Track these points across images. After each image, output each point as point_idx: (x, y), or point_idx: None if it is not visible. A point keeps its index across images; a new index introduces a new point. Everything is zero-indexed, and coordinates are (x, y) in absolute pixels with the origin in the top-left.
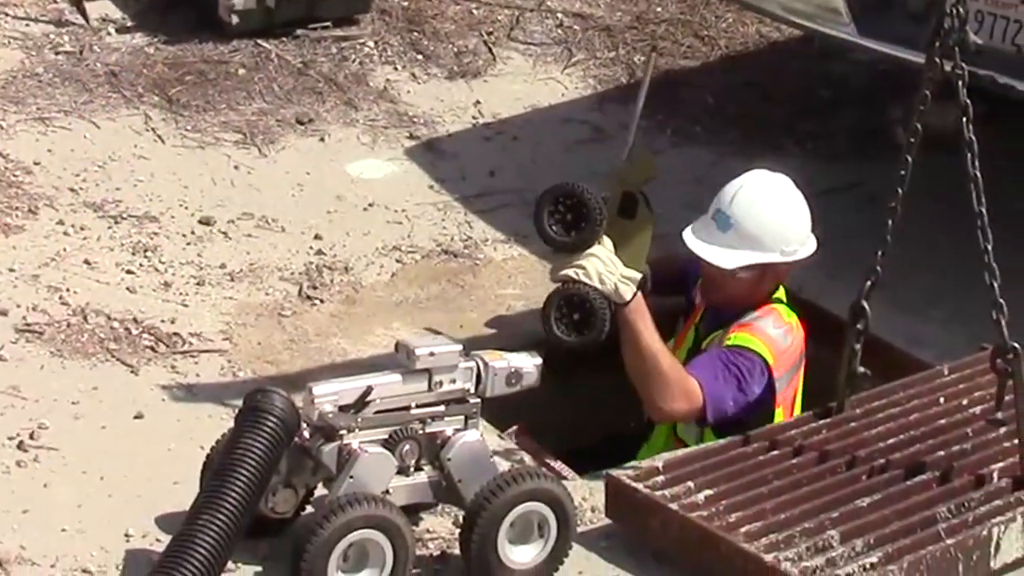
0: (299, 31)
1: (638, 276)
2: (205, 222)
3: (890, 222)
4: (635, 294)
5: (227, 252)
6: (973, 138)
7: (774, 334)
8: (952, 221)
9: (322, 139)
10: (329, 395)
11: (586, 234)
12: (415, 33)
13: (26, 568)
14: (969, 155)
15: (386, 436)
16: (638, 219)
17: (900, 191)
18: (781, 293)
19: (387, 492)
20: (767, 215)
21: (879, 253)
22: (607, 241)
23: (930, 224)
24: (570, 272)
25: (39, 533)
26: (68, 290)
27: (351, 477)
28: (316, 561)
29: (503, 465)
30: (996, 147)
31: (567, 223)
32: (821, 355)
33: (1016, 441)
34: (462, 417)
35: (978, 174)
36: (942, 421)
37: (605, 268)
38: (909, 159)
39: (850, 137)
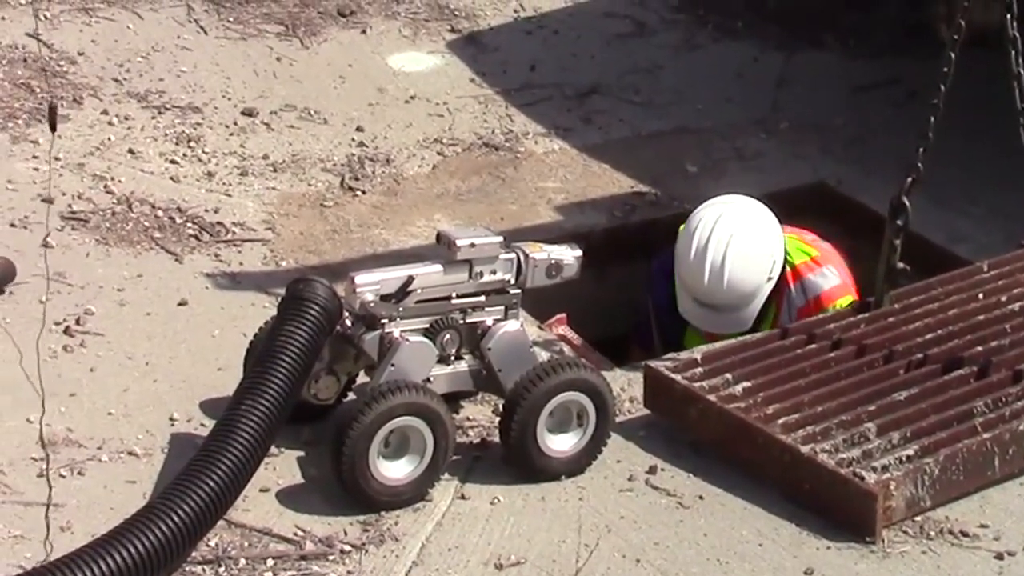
0: None
1: None
2: (248, 113)
3: (932, 119)
4: None
5: (269, 143)
6: (1017, 35)
7: (829, 283)
8: (993, 119)
9: (364, 31)
10: (371, 284)
11: None
12: None
13: (73, 450)
14: (1013, 52)
15: (427, 325)
16: None
17: (943, 88)
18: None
19: (428, 380)
20: (746, 281)
21: (920, 149)
22: None
23: (971, 121)
24: None
25: (85, 416)
26: (113, 179)
27: (393, 365)
28: (357, 446)
29: (543, 355)
30: None
31: None
32: (861, 250)
33: None
34: (502, 307)
35: (1021, 71)
36: (980, 317)
37: None
38: (952, 56)
39: (892, 33)
